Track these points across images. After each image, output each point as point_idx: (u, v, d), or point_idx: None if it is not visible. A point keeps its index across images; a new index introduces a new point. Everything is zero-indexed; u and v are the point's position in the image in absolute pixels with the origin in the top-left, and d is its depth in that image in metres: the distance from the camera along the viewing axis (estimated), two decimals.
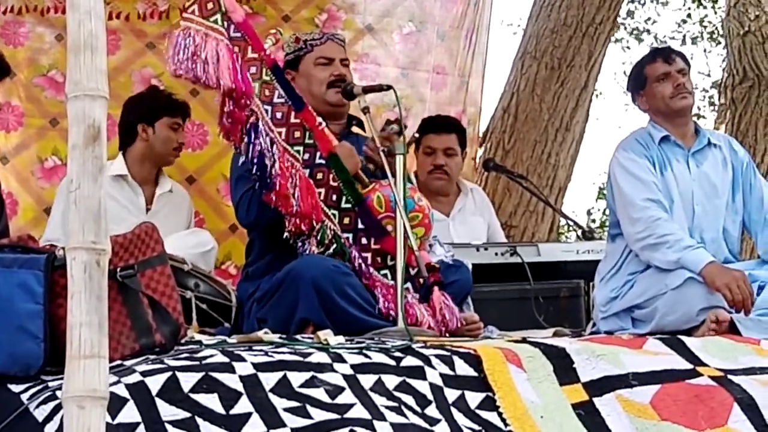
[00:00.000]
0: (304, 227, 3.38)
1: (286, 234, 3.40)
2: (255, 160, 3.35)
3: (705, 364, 3.00)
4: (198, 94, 4.92)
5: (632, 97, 4.03)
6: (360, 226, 3.47)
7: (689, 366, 2.97)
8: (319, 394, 2.47)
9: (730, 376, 2.94)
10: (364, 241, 3.46)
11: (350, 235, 3.46)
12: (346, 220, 3.47)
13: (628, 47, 13.29)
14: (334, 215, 3.46)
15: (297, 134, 3.46)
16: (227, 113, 3.36)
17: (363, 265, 3.42)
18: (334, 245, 3.42)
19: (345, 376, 2.56)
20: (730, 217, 3.91)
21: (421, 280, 3.36)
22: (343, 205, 3.47)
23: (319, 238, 3.40)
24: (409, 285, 3.44)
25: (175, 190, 4.51)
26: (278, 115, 3.44)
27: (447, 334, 3.43)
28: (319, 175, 3.46)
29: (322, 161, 3.46)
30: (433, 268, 3.47)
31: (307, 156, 3.45)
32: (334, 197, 3.47)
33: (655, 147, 3.88)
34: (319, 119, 3.49)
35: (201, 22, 3.31)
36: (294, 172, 3.39)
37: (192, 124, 5.04)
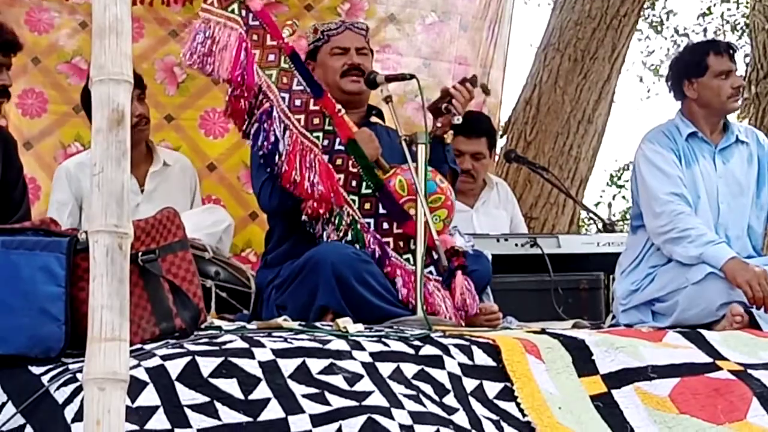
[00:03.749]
0: (322, 211, 3.39)
1: (303, 218, 3.41)
2: (264, 146, 3.36)
3: (725, 358, 2.99)
4: (219, 82, 4.92)
5: (678, 81, 3.87)
6: (381, 211, 3.48)
7: (709, 360, 2.97)
8: (338, 381, 2.48)
9: (749, 371, 2.93)
10: (385, 226, 3.48)
11: (371, 221, 3.47)
12: (367, 206, 3.48)
13: (648, 37, 13.26)
14: (353, 201, 3.47)
15: (316, 121, 3.48)
16: (227, 101, 3.40)
17: (381, 252, 3.43)
18: (351, 231, 3.42)
19: (364, 364, 2.56)
20: (755, 213, 3.88)
21: (445, 265, 3.36)
22: (364, 190, 3.49)
23: (336, 223, 3.41)
24: (432, 269, 3.45)
25: (173, 162, 4.41)
26: (297, 102, 3.46)
27: (465, 320, 3.43)
28: (339, 161, 3.48)
29: (342, 147, 3.48)
30: (456, 252, 3.48)
31: (326, 142, 3.47)
32: (354, 183, 3.48)
33: (682, 141, 3.84)
34: (339, 106, 3.50)
35: (220, 13, 3.34)
36: (312, 157, 3.40)
37: (213, 112, 5.06)
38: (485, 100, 5.57)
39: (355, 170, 3.48)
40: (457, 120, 3.59)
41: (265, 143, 3.38)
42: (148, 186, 4.30)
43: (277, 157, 3.37)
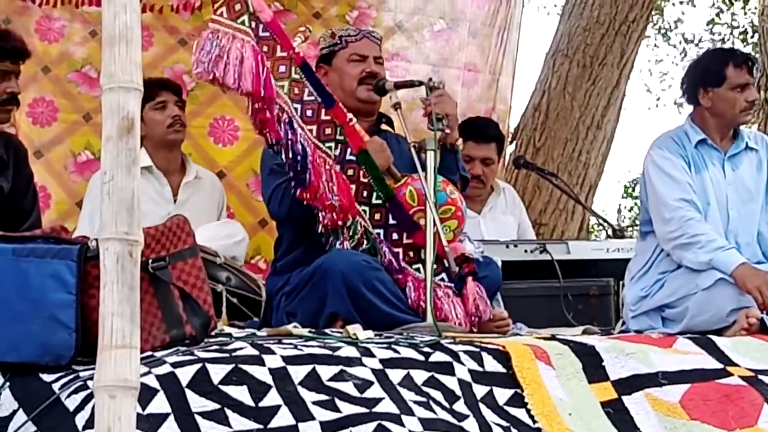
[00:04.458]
0: (340, 222, 3.39)
1: (320, 229, 3.41)
2: (294, 157, 3.37)
3: (735, 364, 2.99)
4: (228, 90, 4.94)
5: (693, 87, 3.85)
6: (391, 221, 3.48)
7: (719, 366, 2.96)
8: (348, 388, 2.48)
9: (760, 376, 2.93)
10: (395, 236, 3.48)
11: (381, 231, 3.47)
12: (377, 216, 3.48)
13: (656, 45, 13.28)
14: (364, 211, 3.47)
15: (328, 131, 3.48)
16: (252, 114, 3.40)
17: (394, 261, 3.43)
18: (366, 242, 3.43)
19: (374, 371, 2.56)
20: (765, 219, 3.87)
21: (455, 272, 3.36)
22: (374, 201, 3.49)
23: (350, 234, 3.42)
24: (443, 275, 3.45)
25: (204, 176, 4.49)
26: (308, 112, 3.46)
27: (478, 326, 3.43)
28: (350, 171, 3.48)
29: (353, 157, 3.48)
30: (466, 259, 3.48)
31: (338, 152, 3.47)
32: (365, 193, 3.48)
33: (691, 148, 3.83)
34: (350, 115, 3.50)
35: (229, 24, 3.34)
36: (328, 168, 3.40)
37: (222, 120, 5.08)
38: (494, 106, 5.59)
39: (365, 180, 3.48)
40: (444, 124, 3.52)
41: (297, 155, 3.37)
42: (181, 196, 4.35)
43: (304, 168, 3.37)
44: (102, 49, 1.96)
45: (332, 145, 3.46)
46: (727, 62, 3.79)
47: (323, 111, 3.47)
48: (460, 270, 3.42)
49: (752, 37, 11.66)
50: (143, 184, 4.17)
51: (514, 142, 6.39)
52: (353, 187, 3.46)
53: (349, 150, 3.48)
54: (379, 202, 3.49)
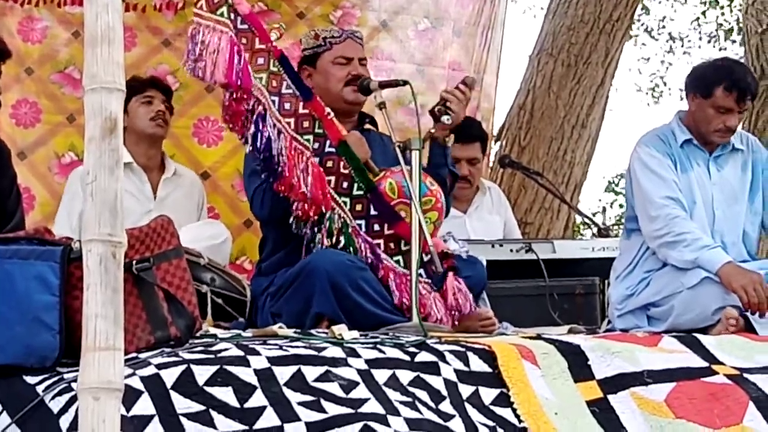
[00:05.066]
0: (312, 213, 3.38)
1: (291, 220, 3.40)
2: (262, 150, 3.37)
3: (721, 363, 2.99)
4: (213, 90, 4.93)
5: (687, 88, 3.89)
6: (372, 212, 3.47)
7: (705, 364, 2.96)
8: (334, 388, 2.47)
9: (745, 375, 2.93)
10: (376, 227, 3.47)
11: (362, 222, 3.46)
12: (358, 207, 3.47)
13: (644, 44, 13.33)
14: (345, 202, 3.47)
15: (306, 124, 3.47)
16: (225, 106, 3.40)
17: (374, 257, 3.42)
18: (342, 238, 3.42)
19: (359, 371, 2.56)
20: (749, 219, 3.88)
21: (434, 268, 3.35)
22: (355, 192, 3.48)
23: (328, 227, 3.41)
24: (422, 271, 3.44)
25: (183, 173, 4.51)
26: (286, 105, 3.46)
27: (459, 320, 3.42)
28: (330, 163, 3.47)
29: (332, 149, 3.47)
30: (446, 255, 3.48)
31: (317, 145, 3.47)
32: (345, 184, 3.47)
33: (677, 147, 3.84)
34: (328, 109, 3.49)
35: (209, 17, 3.35)
36: (304, 159, 3.40)
37: (206, 120, 5.08)
38: (479, 105, 5.59)
39: (346, 172, 3.47)
40: (447, 120, 3.58)
41: (264, 147, 3.37)
42: (161, 193, 4.36)
43: (275, 161, 3.37)
44: (84, 50, 1.95)
45: (310, 138, 3.46)
46: (720, 82, 3.74)
47: (301, 104, 3.47)
48: (440, 268, 3.41)
49: (738, 34, 11.72)
50: (124, 181, 4.18)
51: (500, 141, 6.41)
52: (333, 178, 3.46)
53: (328, 142, 3.47)
54: (360, 193, 3.48)
